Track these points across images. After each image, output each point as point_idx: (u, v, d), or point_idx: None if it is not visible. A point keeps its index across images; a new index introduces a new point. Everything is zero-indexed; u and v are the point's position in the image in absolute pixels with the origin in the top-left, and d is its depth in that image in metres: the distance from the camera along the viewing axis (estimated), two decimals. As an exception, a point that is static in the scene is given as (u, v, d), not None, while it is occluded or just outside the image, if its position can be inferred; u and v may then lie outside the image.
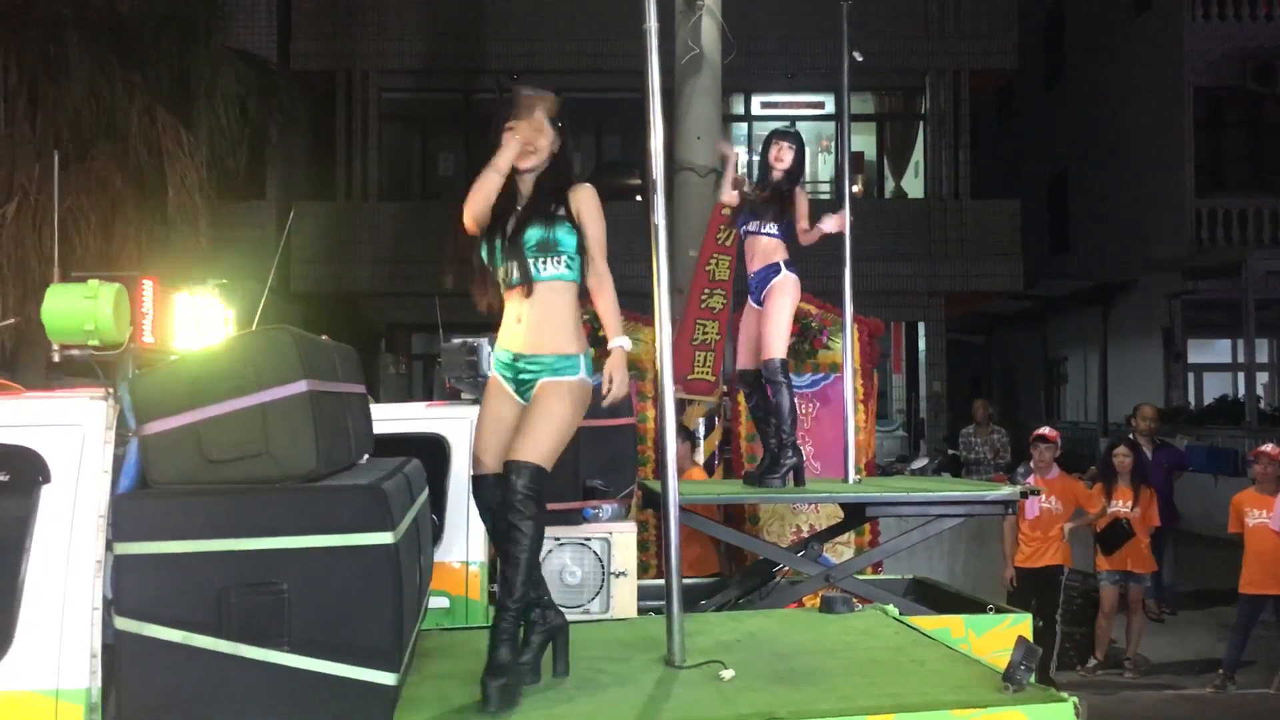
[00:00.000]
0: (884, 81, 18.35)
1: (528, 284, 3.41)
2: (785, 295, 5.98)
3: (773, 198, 6.03)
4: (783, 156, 6.07)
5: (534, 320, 3.42)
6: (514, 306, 3.47)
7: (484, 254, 3.49)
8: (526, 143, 3.47)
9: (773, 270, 6.00)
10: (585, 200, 3.50)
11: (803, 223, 6.07)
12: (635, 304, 8.78)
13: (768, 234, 6.04)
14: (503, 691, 3.09)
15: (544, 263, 3.43)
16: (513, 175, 3.50)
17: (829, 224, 6.17)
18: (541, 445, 3.31)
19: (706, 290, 8.32)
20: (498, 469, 3.39)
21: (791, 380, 6.17)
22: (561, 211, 3.47)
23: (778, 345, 5.97)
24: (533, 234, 3.43)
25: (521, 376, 3.45)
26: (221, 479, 2.85)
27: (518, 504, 3.26)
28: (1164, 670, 8.84)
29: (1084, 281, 21.05)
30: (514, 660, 3.22)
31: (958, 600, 5.67)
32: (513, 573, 3.30)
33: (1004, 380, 26.71)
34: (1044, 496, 8.23)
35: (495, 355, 3.53)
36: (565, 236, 3.45)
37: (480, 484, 3.46)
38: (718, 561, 7.61)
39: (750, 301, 6.18)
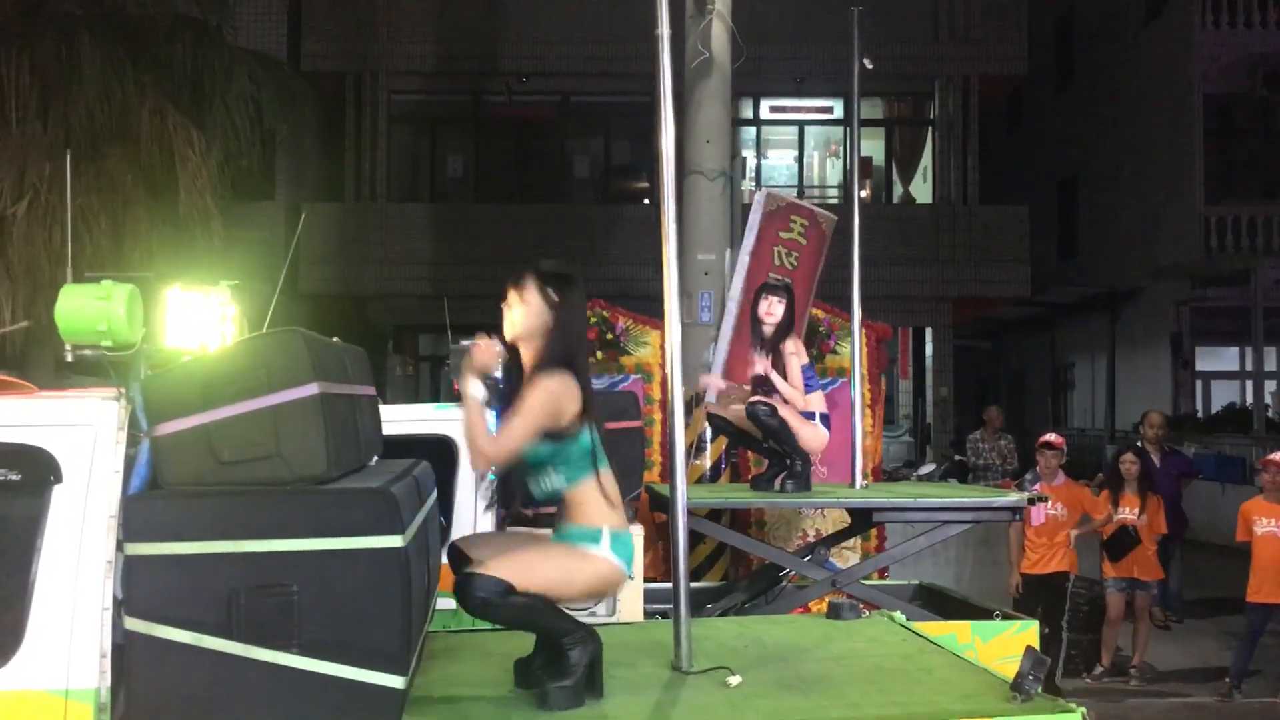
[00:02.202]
0: (893, 87, 18.33)
1: (531, 507, 3.35)
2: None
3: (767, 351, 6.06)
4: (773, 310, 6.04)
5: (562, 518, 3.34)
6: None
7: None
8: (486, 347, 3.26)
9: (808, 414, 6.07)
10: (532, 389, 3.23)
11: (791, 384, 5.97)
12: (644, 307, 8.82)
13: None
14: (566, 693, 3.09)
15: (541, 479, 3.32)
16: (515, 352, 3.36)
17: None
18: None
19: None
20: None
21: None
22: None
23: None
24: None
25: None
26: (232, 480, 2.85)
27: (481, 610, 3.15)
28: (1170, 678, 8.82)
29: (1092, 288, 21.04)
30: (582, 663, 3.15)
31: (964, 606, 5.67)
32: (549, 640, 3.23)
33: (1011, 386, 26.68)
34: (1050, 503, 8.23)
35: None
36: (543, 449, 3.25)
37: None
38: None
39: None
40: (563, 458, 3.26)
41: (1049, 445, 8.63)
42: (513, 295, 3.32)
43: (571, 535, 3.29)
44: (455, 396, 5.69)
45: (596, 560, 3.26)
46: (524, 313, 3.30)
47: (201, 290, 3.68)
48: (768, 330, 6.06)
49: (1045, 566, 8.38)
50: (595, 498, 3.29)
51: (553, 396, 3.21)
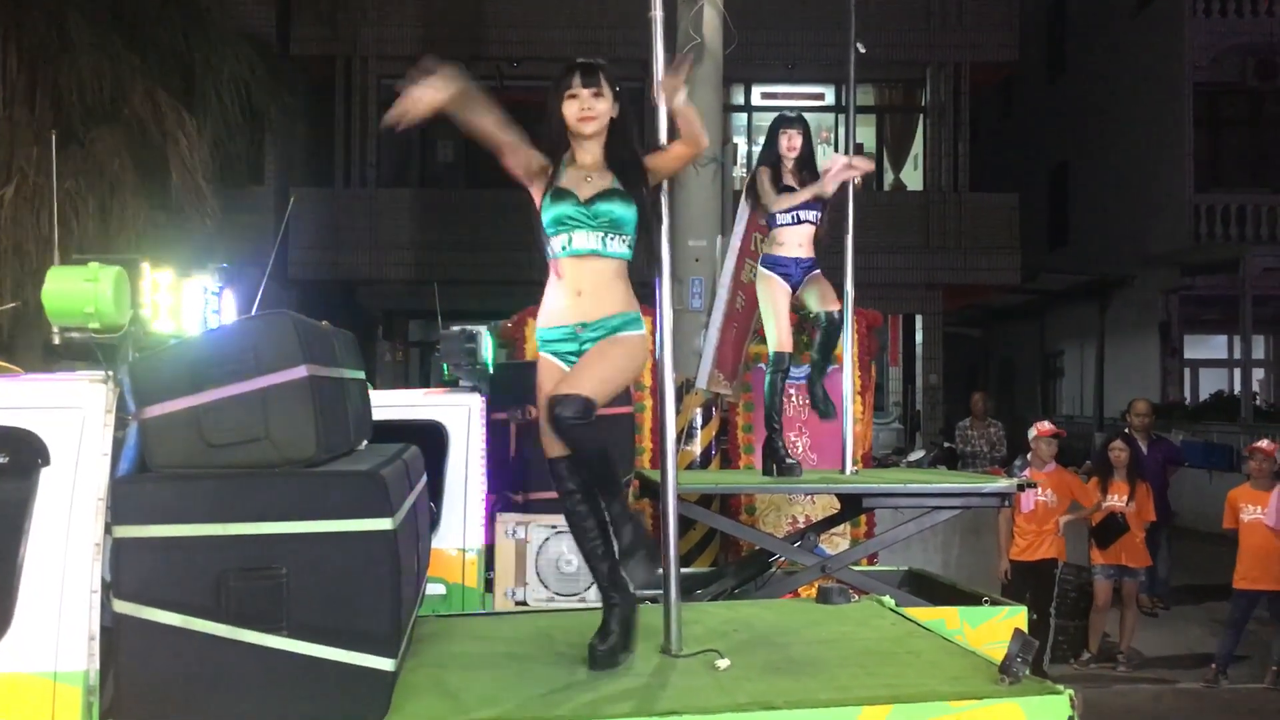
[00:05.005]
0: (885, 73, 18.33)
1: (596, 256, 3.45)
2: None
3: (809, 181, 6.10)
4: (795, 144, 6.11)
5: (597, 291, 3.47)
6: (572, 279, 3.47)
7: (548, 216, 3.48)
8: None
9: (817, 263, 6.14)
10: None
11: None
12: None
13: (818, 223, 6.14)
14: (646, 559, 3.33)
15: (611, 239, 3.47)
16: (569, 139, 3.52)
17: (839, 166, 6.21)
18: (588, 381, 3.39)
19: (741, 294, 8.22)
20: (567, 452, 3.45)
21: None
22: (626, 189, 3.50)
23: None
24: (607, 209, 3.45)
25: (585, 345, 3.47)
26: (221, 463, 2.84)
27: (569, 434, 3.34)
28: (1157, 664, 8.87)
29: (1082, 276, 21.07)
30: (642, 535, 3.37)
31: (953, 592, 5.68)
32: (596, 483, 3.45)
33: (1000, 373, 26.74)
34: (1040, 490, 8.25)
35: (545, 334, 3.52)
36: (630, 217, 3.48)
37: (554, 467, 3.47)
38: None
39: (778, 279, 6.17)
40: (632, 235, 3.50)
41: (1041, 435, 8.63)
42: (587, 91, 3.48)
43: (629, 323, 3.50)
44: (445, 382, 5.70)
45: (642, 341, 3.55)
46: (605, 107, 3.50)
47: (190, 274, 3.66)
48: (790, 165, 6.12)
49: (1034, 553, 8.41)
50: (628, 280, 3.56)
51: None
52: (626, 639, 3.41)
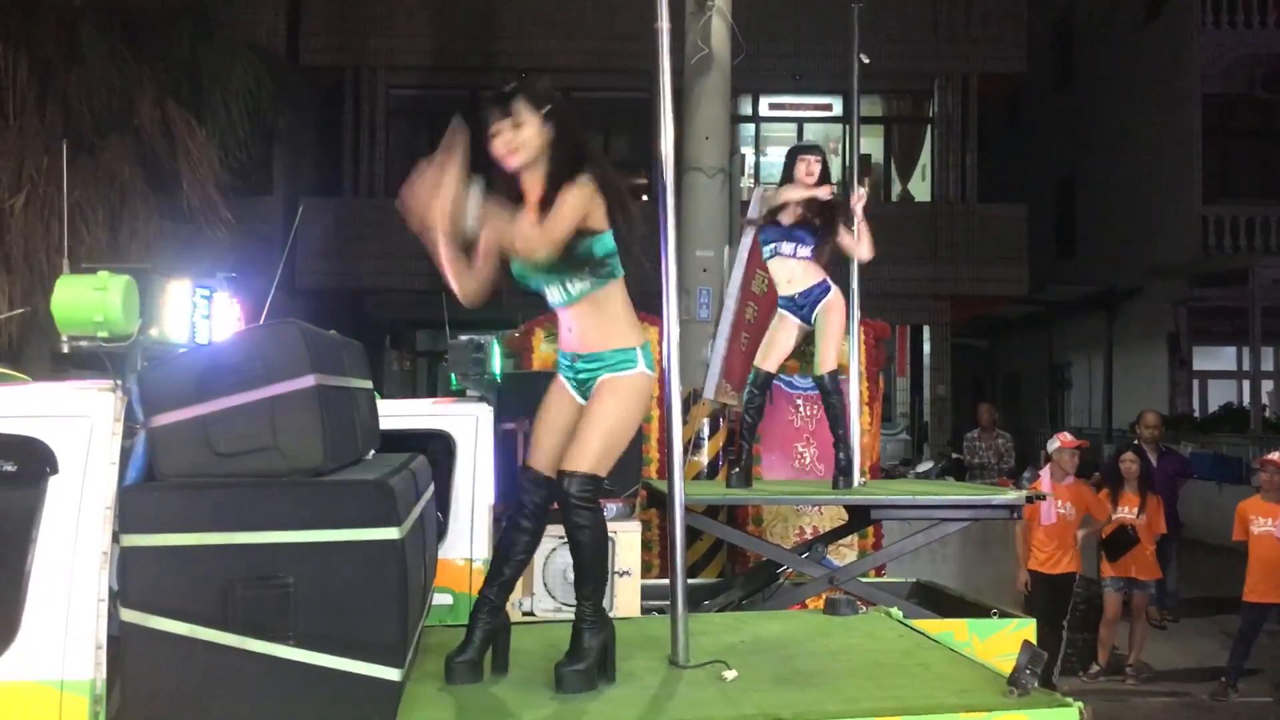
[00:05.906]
0: (892, 84, 18.34)
1: (562, 307, 3.37)
2: (838, 312, 6.08)
3: (818, 215, 6.02)
4: (814, 170, 6.05)
5: (584, 331, 3.36)
6: (562, 317, 3.41)
7: (514, 271, 3.38)
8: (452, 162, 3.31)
9: (823, 289, 6.05)
10: (562, 199, 3.20)
11: (845, 239, 6.14)
12: (641, 303, 8.81)
13: (801, 257, 6.02)
14: (580, 676, 3.17)
15: (570, 283, 3.30)
16: (517, 179, 3.31)
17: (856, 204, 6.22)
18: (590, 452, 3.26)
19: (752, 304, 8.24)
20: (546, 470, 3.40)
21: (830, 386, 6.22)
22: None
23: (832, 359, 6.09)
24: (549, 262, 3.23)
25: (581, 376, 3.40)
26: (228, 472, 2.84)
27: (571, 514, 3.28)
28: (1166, 677, 8.82)
29: (1090, 287, 21.03)
30: (595, 646, 3.24)
31: (961, 604, 5.66)
32: (578, 574, 3.36)
33: (1008, 385, 26.68)
34: (1060, 502, 8.20)
35: (559, 354, 3.51)
36: (578, 247, 3.23)
37: (524, 474, 3.45)
38: None
39: (789, 315, 6.15)
40: (598, 259, 3.26)
41: (1064, 446, 8.57)
42: (505, 123, 3.27)
43: (623, 362, 3.32)
44: (452, 391, 5.70)
45: (640, 380, 3.35)
46: (529, 134, 3.26)
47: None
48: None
49: (1055, 566, 8.30)
50: (622, 298, 3.35)
51: (580, 205, 3.20)
52: (605, 660, 3.30)
